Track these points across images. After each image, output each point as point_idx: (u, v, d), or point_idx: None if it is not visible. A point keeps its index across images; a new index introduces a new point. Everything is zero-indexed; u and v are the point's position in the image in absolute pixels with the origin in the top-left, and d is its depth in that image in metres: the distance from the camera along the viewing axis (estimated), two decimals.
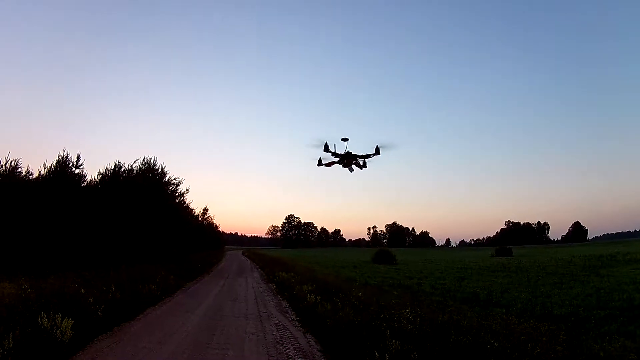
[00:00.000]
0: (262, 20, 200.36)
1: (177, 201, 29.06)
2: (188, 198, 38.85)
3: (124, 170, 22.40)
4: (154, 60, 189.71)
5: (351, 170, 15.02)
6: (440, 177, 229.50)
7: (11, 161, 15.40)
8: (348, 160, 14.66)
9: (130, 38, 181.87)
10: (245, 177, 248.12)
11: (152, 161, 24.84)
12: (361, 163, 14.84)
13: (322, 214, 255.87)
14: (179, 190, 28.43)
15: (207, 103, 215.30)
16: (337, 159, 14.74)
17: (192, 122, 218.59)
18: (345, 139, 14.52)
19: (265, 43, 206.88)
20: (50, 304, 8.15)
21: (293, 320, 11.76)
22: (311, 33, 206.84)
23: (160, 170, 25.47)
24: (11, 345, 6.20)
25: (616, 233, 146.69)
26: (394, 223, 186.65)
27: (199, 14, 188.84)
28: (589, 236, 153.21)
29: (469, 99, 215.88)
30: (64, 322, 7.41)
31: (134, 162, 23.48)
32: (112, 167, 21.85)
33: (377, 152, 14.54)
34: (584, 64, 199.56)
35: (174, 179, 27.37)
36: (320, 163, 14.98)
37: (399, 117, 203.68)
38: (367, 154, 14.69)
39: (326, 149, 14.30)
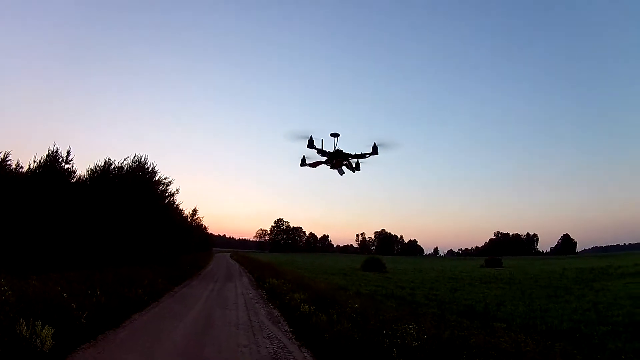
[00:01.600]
0: (255, 21, 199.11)
1: (167, 201, 28.47)
2: (178, 198, 38.28)
3: (114, 167, 21.87)
4: (146, 59, 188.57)
5: (341, 172, 12.22)
6: (430, 186, 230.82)
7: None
8: (338, 160, 11.99)
9: (123, 36, 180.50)
10: (235, 179, 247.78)
11: (142, 159, 24.33)
12: (353, 164, 12.23)
13: (311, 218, 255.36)
14: (169, 190, 27.92)
15: (198, 104, 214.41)
16: (324, 158, 12.10)
17: (182, 122, 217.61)
18: (335, 135, 11.88)
19: (258, 44, 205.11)
20: (30, 309, 7.56)
21: (286, 331, 11.31)
22: (302, 27, 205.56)
23: (150, 169, 24.97)
24: None
25: (605, 246, 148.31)
26: (383, 230, 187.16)
27: (193, 13, 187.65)
28: (578, 249, 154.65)
29: (461, 109, 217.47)
30: (44, 331, 6.87)
31: (125, 160, 22.94)
32: (102, 164, 21.29)
33: (375, 151, 11.74)
34: (573, 77, 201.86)
35: (165, 178, 26.86)
36: (303, 163, 12.35)
37: (389, 124, 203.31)
38: (361, 153, 11.94)
39: (310, 145, 11.62)
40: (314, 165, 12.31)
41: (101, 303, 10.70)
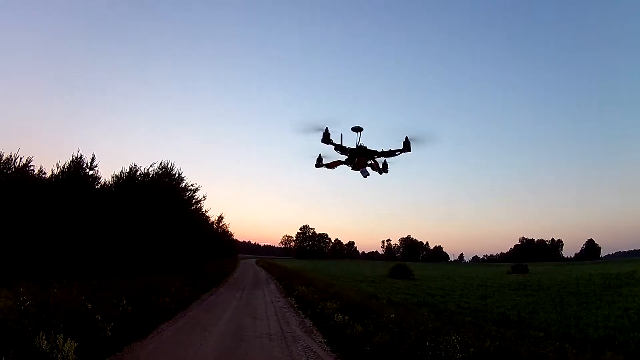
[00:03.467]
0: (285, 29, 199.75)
1: (193, 208, 28.16)
2: (204, 205, 38.13)
3: (139, 174, 21.56)
4: (172, 68, 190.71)
5: (365, 174, 9.78)
6: (455, 192, 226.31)
7: (21, 158, 14.58)
8: (361, 159, 9.71)
9: (150, 46, 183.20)
10: (260, 185, 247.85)
11: (169, 166, 24.01)
12: (380, 164, 10.00)
13: (337, 225, 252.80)
14: (195, 197, 27.53)
15: (223, 111, 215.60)
16: (344, 157, 9.89)
17: (207, 129, 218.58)
18: (357, 129, 9.53)
19: (279, 51, 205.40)
20: (51, 321, 7.07)
21: (321, 342, 10.71)
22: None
23: (177, 175, 24.61)
24: None
25: (629, 251, 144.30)
26: (408, 237, 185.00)
27: (220, 25, 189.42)
28: (602, 254, 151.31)
29: (484, 115, 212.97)
30: (66, 345, 6.37)
31: (150, 166, 22.65)
32: (128, 170, 21.03)
33: (407, 147, 9.34)
34: (597, 78, 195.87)
35: (191, 185, 26.47)
36: (319, 163, 10.15)
37: (409, 125, 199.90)
38: (389, 150, 9.59)
39: (326, 139, 9.29)
40: (332, 165, 10.15)
41: (127, 313, 10.23)
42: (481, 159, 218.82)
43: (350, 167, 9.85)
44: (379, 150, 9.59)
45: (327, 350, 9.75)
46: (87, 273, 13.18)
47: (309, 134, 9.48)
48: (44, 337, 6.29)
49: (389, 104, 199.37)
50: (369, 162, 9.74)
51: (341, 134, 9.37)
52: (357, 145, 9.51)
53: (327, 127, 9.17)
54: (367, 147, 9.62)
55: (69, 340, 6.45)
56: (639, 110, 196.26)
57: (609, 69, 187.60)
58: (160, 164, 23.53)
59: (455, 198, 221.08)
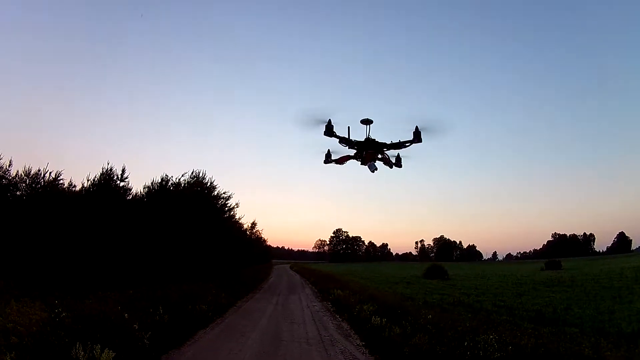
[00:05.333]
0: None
1: (226, 215, 28.28)
2: (237, 212, 38.37)
3: (171, 183, 21.76)
4: (201, 80, 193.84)
5: (373, 168, 9.23)
6: (486, 190, 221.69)
7: (51, 172, 14.93)
8: (369, 152, 9.21)
9: (186, 53, 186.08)
10: (293, 190, 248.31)
11: (200, 174, 24.16)
12: (392, 158, 9.51)
13: (370, 227, 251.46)
14: (228, 204, 27.64)
15: (253, 118, 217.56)
16: (352, 152, 9.42)
17: (239, 136, 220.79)
18: (367, 121, 9.11)
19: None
20: (88, 332, 7.02)
21: (359, 345, 10.54)
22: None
23: (209, 183, 24.75)
24: None
25: None
26: (442, 237, 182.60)
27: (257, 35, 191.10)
28: (633, 246, 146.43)
29: (516, 109, 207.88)
30: (103, 355, 6.33)
31: (182, 176, 22.83)
32: (159, 181, 21.24)
33: (417, 137, 8.86)
34: (625, 70, 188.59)
35: (224, 192, 26.58)
36: (328, 159, 9.69)
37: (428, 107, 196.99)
38: (399, 142, 9.08)
39: (329, 132, 8.81)
40: (341, 160, 9.68)
41: (164, 321, 10.21)
42: (513, 155, 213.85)
43: (360, 162, 9.43)
44: (388, 143, 9.19)
45: (366, 353, 9.58)
46: (122, 283, 13.25)
47: (317, 127, 9.04)
48: (80, 348, 6.24)
49: (400, 91, 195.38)
50: (379, 156, 9.32)
51: (348, 127, 9.01)
52: (366, 137, 9.14)
53: (330, 119, 8.77)
54: (377, 140, 9.22)
55: (106, 351, 6.40)
56: None
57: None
58: (192, 173, 23.72)
59: (487, 196, 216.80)
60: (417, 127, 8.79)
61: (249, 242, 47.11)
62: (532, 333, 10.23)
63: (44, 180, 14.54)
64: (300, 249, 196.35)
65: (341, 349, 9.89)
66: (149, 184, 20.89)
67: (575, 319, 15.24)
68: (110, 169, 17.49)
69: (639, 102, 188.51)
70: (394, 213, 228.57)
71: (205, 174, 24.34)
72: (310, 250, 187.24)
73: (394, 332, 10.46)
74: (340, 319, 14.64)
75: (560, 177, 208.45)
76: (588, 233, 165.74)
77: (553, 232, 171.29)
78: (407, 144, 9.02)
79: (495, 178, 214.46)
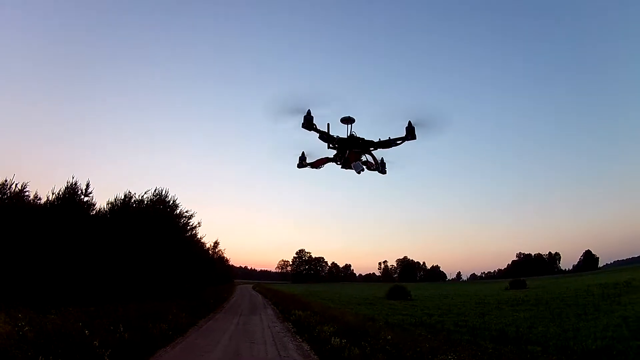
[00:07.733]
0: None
1: (188, 234, 28.20)
2: (199, 231, 38.17)
3: (134, 200, 21.69)
4: (163, 90, 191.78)
5: (359, 169, 7.65)
6: (449, 210, 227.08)
7: (17, 184, 14.75)
8: (354, 152, 7.80)
9: (143, 65, 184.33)
10: (255, 210, 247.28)
11: (163, 192, 24.21)
12: (379, 159, 8.10)
13: (333, 248, 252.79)
14: (190, 223, 27.64)
15: (217, 135, 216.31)
16: (332, 153, 8.14)
17: (202, 154, 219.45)
18: (348, 120, 7.78)
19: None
20: (50, 347, 7.08)
21: None
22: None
23: (171, 202, 24.80)
24: None
25: (627, 259, 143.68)
26: (405, 257, 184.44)
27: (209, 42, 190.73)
28: (600, 263, 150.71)
29: (475, 130, 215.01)
30: None
31: (145, 193, 22.83)
32: (122, 197, 21.16)
33: (410, 134, 7.54)
34: (589, 91, 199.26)
35: (186, 211, 26.63)
36: (302, 162, 8.44)
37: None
38: (389, 139, 7.71)
39: (308, 124, 7.37)
40: (317, 164, 8.37)
41: (125, 339, 10.21)
42: (475, 176, 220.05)
43: (340, 165, 8.10)
44: (376, 141, 7.83)
45: None
46: (83, 299, 13.14)
47: (281, 114, 7.50)
48: None
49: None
50: (363, 158, 7.90)
51: (328, 124, 7.67)
52: (350, 134, 7.84)
53: (309, 110, 7.34)
54: (363, 138, 7.87)
55: None
56: (632, 120, 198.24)
57: (608, 81, 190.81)
58: (155, 190, 23.74)
59: (451, 217, 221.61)
60: (410, 122, 7.53)
61: (211, 261, 46.66)
62: (493, 353, 10.54)
63: (10, 192, 14.34)
64: (263, 269, 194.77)
65: None
66: (112, 200, 20.83)
67: (538, 338, 15.22)
68: (75, 183, 17.45)
69: (601, 124, 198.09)
70: (357, 234, 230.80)
71: (167, 192, 24.51)
72: (273, 270, 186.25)
73: (353, 352, 10.61)
74: (300, 340, 14.75)
75: (525, 197, 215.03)
76: (554, 252, 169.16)
77: (518, 252, 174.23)
78: (398, 142, 7.68)
79: (459, 199, 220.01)
